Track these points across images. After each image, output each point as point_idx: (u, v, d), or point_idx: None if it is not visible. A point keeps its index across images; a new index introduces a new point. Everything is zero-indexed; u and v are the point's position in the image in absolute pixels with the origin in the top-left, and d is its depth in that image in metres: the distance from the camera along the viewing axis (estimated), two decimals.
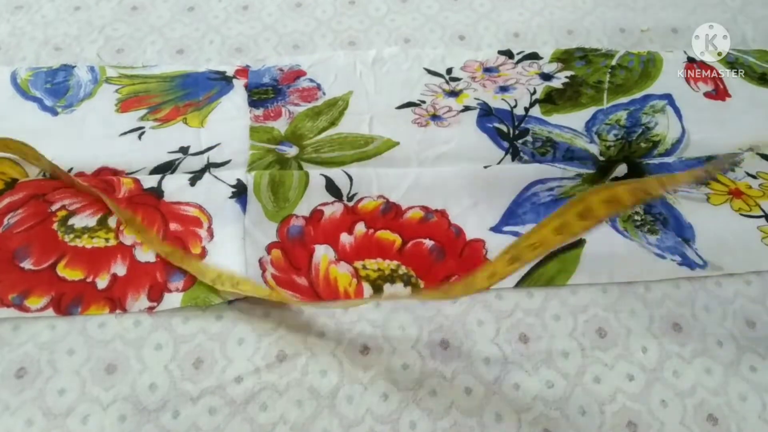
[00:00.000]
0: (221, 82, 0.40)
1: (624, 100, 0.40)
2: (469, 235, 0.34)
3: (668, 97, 0.41)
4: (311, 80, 0.40)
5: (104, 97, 0.38)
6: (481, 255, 0.33)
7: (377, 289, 0.32)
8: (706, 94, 0.41)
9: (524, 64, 0.42)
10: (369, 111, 0.39)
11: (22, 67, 0.40)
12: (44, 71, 0.40)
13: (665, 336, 0.30)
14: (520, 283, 0.32)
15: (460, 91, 0.40)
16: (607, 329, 0.31)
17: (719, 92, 0.41)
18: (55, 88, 0.39)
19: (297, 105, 0.39)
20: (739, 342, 0.30)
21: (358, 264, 0.32)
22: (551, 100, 0.40)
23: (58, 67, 0.40)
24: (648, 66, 0.42)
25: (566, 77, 0.41)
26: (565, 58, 0.43)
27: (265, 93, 0.39)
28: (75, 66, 0.40)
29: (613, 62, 0.42)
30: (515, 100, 0.40)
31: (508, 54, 0.43)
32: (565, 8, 0.46)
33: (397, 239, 0.33)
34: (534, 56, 0.43)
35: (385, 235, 0.34)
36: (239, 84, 0.40)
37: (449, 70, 0.42)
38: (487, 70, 0.42)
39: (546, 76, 0.41)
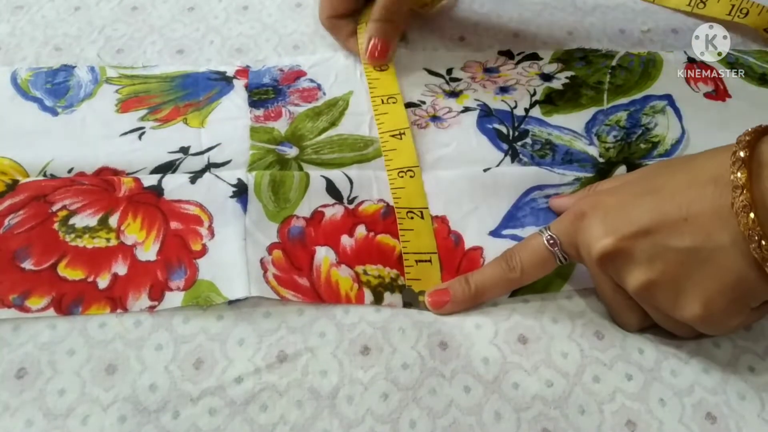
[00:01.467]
0: (221, 82, 0.40)
1: (624, 100, 0.41)
2: (468, 241, 0.34)
3: (668, 98, 0.41)
4: (311, 80, 0.40)
5: (104, 98, 0.38)
6: (478, 265, 0.33)
7: (378, 297, 0.32)
8: (706, 95, 0.41)
9: (524, 65, 0.42)
10: (369, 111, 0.39)
11: (23, 67, 0.40)
12: (44, 71, 0.40)
13: (663, 337, 0.31)
14: (515, 293, 0.32)
15: (461, 91, 0.41)
16: (605, 332, 0.31)
17: (719, 93, 0.41)
18: (55, 89, 0.39)
19: (297, 105, 0.39)
20: (736, 342, 0.30)
21: (360, 269, 0.32)
22: (551, 101, 0.40)
23: (58, 68, 0.40)
24: (648, 66, 0.42)
25: (566, 78, 0.41)
26: (565, 58, 0.43)
27: (266, 93, 0.39)
28: (75, 66, 0.40)
29: (614, 63, 0.43)
30: (515, 101, 0.40)
31: (508, 54, 0.43)
32: (565, 9, 0.46)
33: (398, 245, 0.33)
34: (534, 57, 0.43)
35: (385, 239, 0.34)
36: (239, 84, 0.40)
37: (449, 71, 0.42)
38: (488, 70, 0.42)
39: (546, 77, 0.41)
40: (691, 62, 0.43)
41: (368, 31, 0.39)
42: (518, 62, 0.42)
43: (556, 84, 0.41)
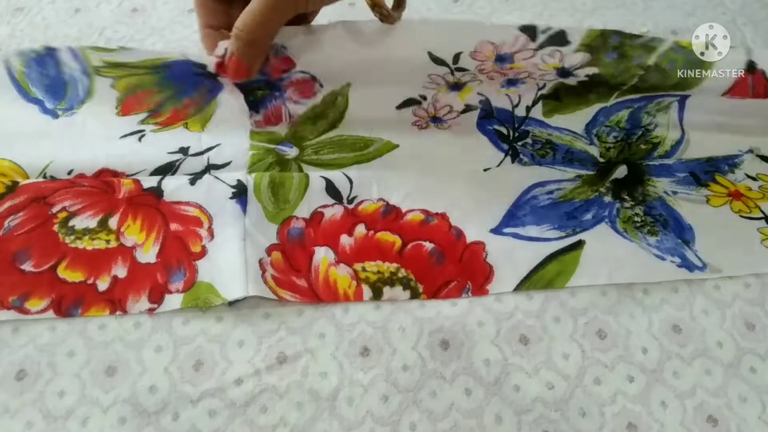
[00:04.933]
0: (209, 80, 0.38)
1: (635, 96, 0.37)
2: (470, 237, 0.34)
3: (683, 97, 0.37)
4: (303, 72, 0.38)
5: (103, 98, 0.38)
6: (481, 258, 0.33)
7: (377, 292, 0.32)
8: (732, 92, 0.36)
9: (545, 53, 0.35)
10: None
11: (11, 54, 0.38)
12: (33, 58, 0.38)
13: (665, 337, 0.30)
14: (519, 287, 0.32)
15: (464, 83, 0.38)
16: (607, 331, 0.31)
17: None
18: (52, 85, 0.38)
19: (296, 102, 0.38)
20: (738, 343, 0.30)
21: (358, 266, 0.32)
22: (556, 96, 0.37)
23: (43, 52, 0.38)
24: (692, 69, 0.35)
25: (587, 75, 0.36)
26: (596, 45, 0.35)
27: (260, 89, 0.39)
28: (58, 49, 0.38)
29: (651, 61, 0.35)
30: (519, 96, 0.39)
31: (530, 33, 0.34)
32: (564, 10, 0.46)
33: (397, 240, 0.33)
34: (560, 39, 0.34)
35: (384, 236, 0.34)
36: (229, 84, 0.38)
37: (456, 57, 0.36)
38: (500, 58, 0.35)
39: (564, 73, 0.36)
40: (751, 69, 0.35)
41: (229, 44, 0.32)
42: (540, 46, 0.35)
43: (572, 81, 0.36)
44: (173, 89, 0.38)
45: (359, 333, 0.30)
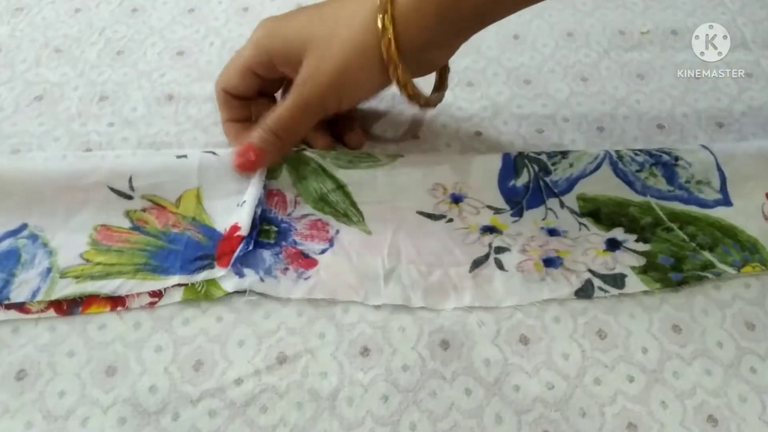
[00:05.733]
0: (207, 260, 0.32)
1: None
2: None
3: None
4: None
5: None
6: None
7: None
8: None
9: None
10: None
11: None
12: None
13: (665, 337, 0.30)
14: None
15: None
16: (607, 330, 0.31)
17: None
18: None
19: (306, 239, 0.33)
20: (738, 343, 0.30)
21: None
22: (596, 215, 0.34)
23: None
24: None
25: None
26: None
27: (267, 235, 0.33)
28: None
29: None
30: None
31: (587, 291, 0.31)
32: (564, 10, 0.46)
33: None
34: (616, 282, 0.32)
35: None
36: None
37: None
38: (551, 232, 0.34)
39: (614, 243, 0.33)
40: None
41: (251, 135, 0.32)
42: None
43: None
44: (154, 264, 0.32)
45: (359, 333, 0.30)
